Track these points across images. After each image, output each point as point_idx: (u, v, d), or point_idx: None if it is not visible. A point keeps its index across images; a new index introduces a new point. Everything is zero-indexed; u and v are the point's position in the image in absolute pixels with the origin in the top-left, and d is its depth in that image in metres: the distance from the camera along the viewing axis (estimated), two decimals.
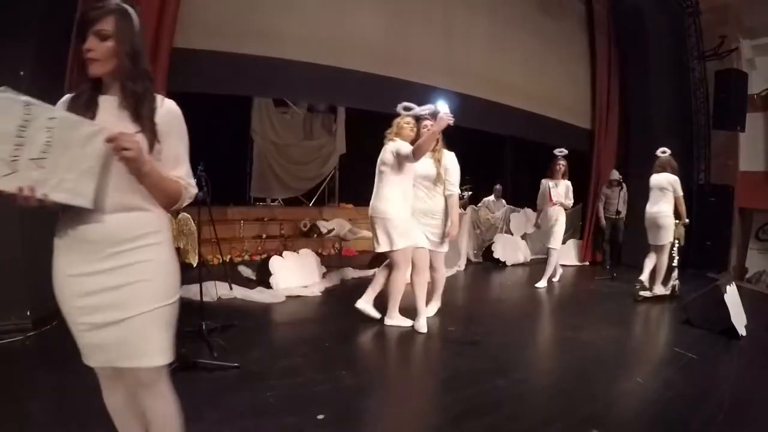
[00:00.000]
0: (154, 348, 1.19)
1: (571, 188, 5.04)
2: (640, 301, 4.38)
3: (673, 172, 4.39)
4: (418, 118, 3.24)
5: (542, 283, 4.98)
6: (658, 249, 4.41)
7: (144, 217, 1.18)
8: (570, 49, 6.97)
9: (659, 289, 4.50)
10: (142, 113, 1.16)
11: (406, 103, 3.23)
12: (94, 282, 1.13)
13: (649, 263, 4.47)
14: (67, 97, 1.17)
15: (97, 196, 1.10)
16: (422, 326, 3.22)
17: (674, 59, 6.69)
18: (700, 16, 6.53)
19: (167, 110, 1.22)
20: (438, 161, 3.25)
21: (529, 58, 6.34)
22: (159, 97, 1.22)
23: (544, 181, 5.10)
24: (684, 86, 6.71)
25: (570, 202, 5.05)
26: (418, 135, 3.20)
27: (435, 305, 3.65)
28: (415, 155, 2.98)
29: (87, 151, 1.07)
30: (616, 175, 6.24)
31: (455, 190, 3.30)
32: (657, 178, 4.42)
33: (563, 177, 5.00)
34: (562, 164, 4.96)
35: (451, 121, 2.88)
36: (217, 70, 4.11)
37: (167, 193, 1.21)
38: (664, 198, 4.34)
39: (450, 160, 3.30)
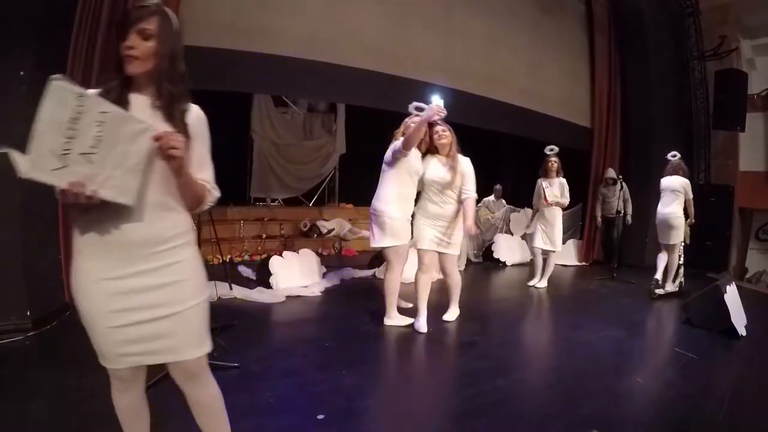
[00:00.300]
0: (201, 338, 1.28)
1: (566, 186, 4.88)
2: (656, 299, 4.52)
3: (684, 176, 4.58)
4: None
5: (543, 283, 5.00)
6: (670, 248, 4.59)
7: (176, 218, 1.21)
8: (570, 48, 6.96)
9: (670, 287, 4.70)
10: (174, 114, 1.17)
11: (417, 104, 3.16)
12: (134, 283, 1.14)
13: (662, 262, 4.65)
14: (93, 91, 1.14)
15: (137, 195, 1.09)
16: (422, 326, 3.22)
17: (674, 59, 6.69)
18: (700, 16, 6.52)
19: (196, 115, 1.25)
20: (452, 167, 3.19)
21: (529, 57, 6.34)
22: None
23: (539, 181, 4.97)
24: (684, 86, 6.71)
25: (566, 200, 4.89)
26: (431, 138, 3.23)
27: (453, 312, 3.57)
28: (405, 147, 3.01)
29: (134, 148, 1.06)
30: (611, 173, 6.19)
31: (472, 193, 3.25)
32: (669, 181, 4.59)
33: (557, 175, 4.87)
34: (554, 161, 4.83)
35: (441, 113, 2.88)
36: (217, 67, 4.13)
37: (195, 195, 1.23)
38: (677, 200, 4.52)
39: (466, 165, 3.27)
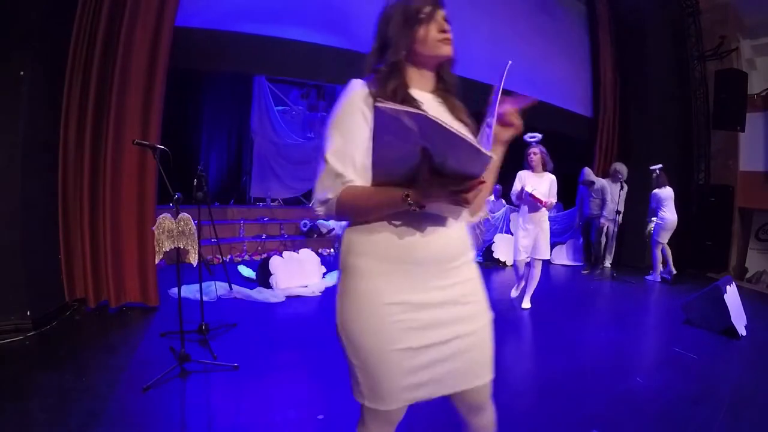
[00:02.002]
0: (492, 359, 1.10)
1: (555, 183, 4.00)
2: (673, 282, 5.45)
3: (669, 185, 5.40)
4: None
5: (527, 303, 4.14)
6: (667, 245, 5.52)
7: (466, 230, 1.10)
8: (571, 49, 6.97)
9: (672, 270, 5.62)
10: (457, 105, 1.05)
11: None
12: (435, 297, 1.00)
13: (659, 260, 5.61)
14: (364, 85, 0.97)
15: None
16: None
17: (674, 59, 6.69)
18: (700, 16, 6.52)
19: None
20: None
21: (530, 51, 6.35)
22: None
23: (524, 174, 3.98)
24: (684, 86, 6.71)
25: (554, 199, 4.03)
26: None
27: None
28: None
29: None
30: (587, 174, 6.09)
31: None
32: (669, 192, 5.37)
33: (544, 169, 3.95)
34: (535, 152, 3.91)
35: None
36: (217, 49, 4.18)
37: None
38: (673, 206, 5.31)
39: None
